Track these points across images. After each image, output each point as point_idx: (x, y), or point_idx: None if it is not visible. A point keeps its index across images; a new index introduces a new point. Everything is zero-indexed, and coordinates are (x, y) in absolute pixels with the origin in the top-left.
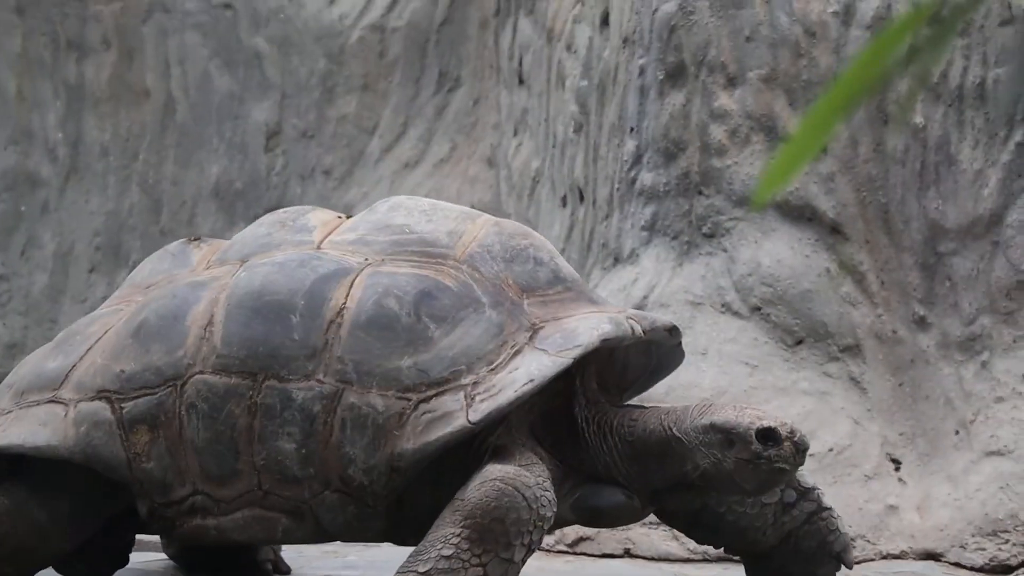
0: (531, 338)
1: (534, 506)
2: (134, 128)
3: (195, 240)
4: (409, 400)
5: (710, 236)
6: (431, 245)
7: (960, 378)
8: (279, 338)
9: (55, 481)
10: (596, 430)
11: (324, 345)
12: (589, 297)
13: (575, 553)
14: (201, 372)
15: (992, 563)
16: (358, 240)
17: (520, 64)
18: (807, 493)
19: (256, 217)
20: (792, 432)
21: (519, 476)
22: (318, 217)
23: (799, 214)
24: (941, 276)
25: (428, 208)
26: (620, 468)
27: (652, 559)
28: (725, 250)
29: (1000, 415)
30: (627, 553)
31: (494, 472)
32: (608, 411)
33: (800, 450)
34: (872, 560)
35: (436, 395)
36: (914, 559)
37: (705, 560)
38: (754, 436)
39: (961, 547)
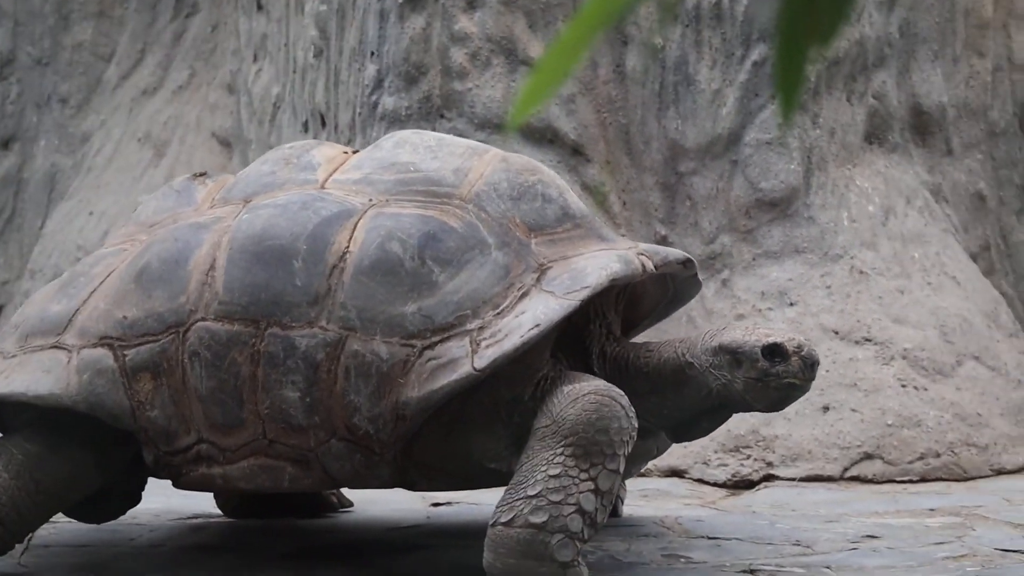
0: (538, 279)
1: (629, 414)
2: None
3: (200, 175)
4: (414, 347)
5: None
6: (436, 184)
7: (702, 296)
8: (281, 284)
9: (72, 430)
10: (612, 366)
11: (327, 291)
12: (599, 233)
13: None
14: (203, 319)
15: (735, 478)
16: (362, 179)
17: None
18: None
19: None
20: (800, 347)
21: (610, 389)
22: (323, 153)
23: (541, 136)
24: (682, 196)
25: (434, 144)
26: (635, 404)
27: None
28: None
29: None
30: None
31: (585, 388)
32: (625, 346)
33: (808, 364)
34: None
35: (441, 341)
36: (659, 476)
37: None
38: (760, 353)
39: (704, 463)
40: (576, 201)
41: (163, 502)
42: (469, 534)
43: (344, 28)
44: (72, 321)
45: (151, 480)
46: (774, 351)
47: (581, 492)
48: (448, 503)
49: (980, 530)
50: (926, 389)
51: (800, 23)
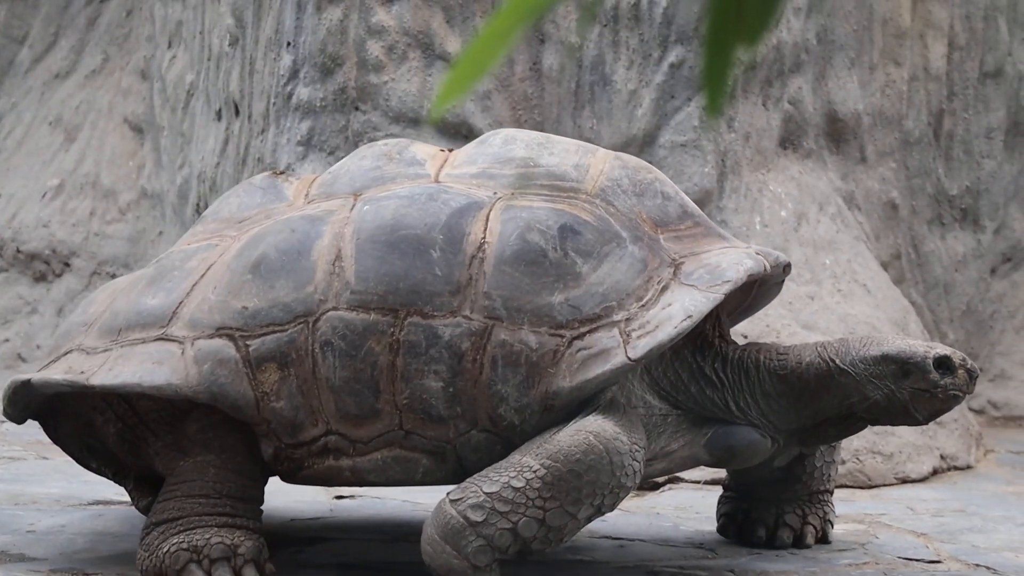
0: (675, 273)
1: (617, 472)
2: None
3: (281, 173)
4: (563, 337)
5: None
6: (560, 179)
7: None
8: (420, 273)
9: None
10: (735, 367)
11: (468, 281)
12: (717, 232)
13: None
14: (335, 308)
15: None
16: (481, 173)
17: None
18: None
19: None
20: (964, 360)
21: (615, 438)
22: (423, 150)
23: (455, 131)
24: None
25: (544, 141)
26: (760, 405)
27: None
28: None
29: None
30: None
31: (591, 424)
32: (747, 347)
33: (973, 378)
34: None
35: (590, 332)
36: None
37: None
38: (932, 365)
39: None
40: (689, 200)
41: (63, 487)
42: (372, 528)
43: (260, 17)
44: (177, 313)
45: (50, 465)
46: (944, 363)
47: (526, 515)
48: (351, 496)
49: (883, 538)
50: None
51: (728, 23)
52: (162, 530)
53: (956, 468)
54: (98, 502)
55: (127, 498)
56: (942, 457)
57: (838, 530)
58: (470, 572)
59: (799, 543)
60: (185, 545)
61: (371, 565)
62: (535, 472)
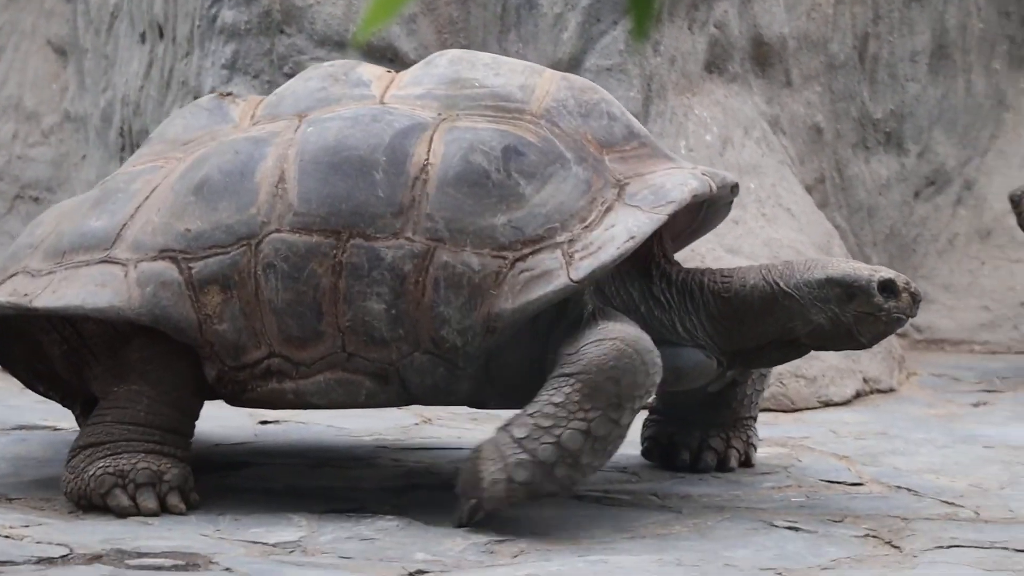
0: (619, 194)
1: (651, 371)
2: None
3: (228, 95)
4: (505, 259)
5: (291, 76)
6: (505, 99)
7: None
8: (363, 195)
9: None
10: (679, 289)
11: (411, 202)
12: (664, 153)
13: None
14: (278, 231)
15: None
16: (426, 94)
17: None
18: None
19: None
20: (908, 283)
21: (640, 339)
22: (369, 71)
23: (381, 55)
24: None
25: (491, 61)
26: (705, 327)
27: None
28: None
29: None
30: None
31: (614, 331)
32: (692, 269)
33: (916, 301)
34: None
35: (532, 253)
36: None
37: None
38: (876, 288)
39: None
40: (636, 121)
41: None
42: (296, 453)
43: None
44: (121, 236)
45: None
46: (888, 287)
47: (569, 428)
48: (276, 422)
49: (806, 461)
50: None
51: None
52: (88, 453)
53: (879, 391)
54: (22, 427)
55: (51, 423)
56: (865, 380)
57: (761, 454)
58: (501, 486)
59: (722, 467)
60: (111, 469)
61: (296, 490)
62: (573, 386)
